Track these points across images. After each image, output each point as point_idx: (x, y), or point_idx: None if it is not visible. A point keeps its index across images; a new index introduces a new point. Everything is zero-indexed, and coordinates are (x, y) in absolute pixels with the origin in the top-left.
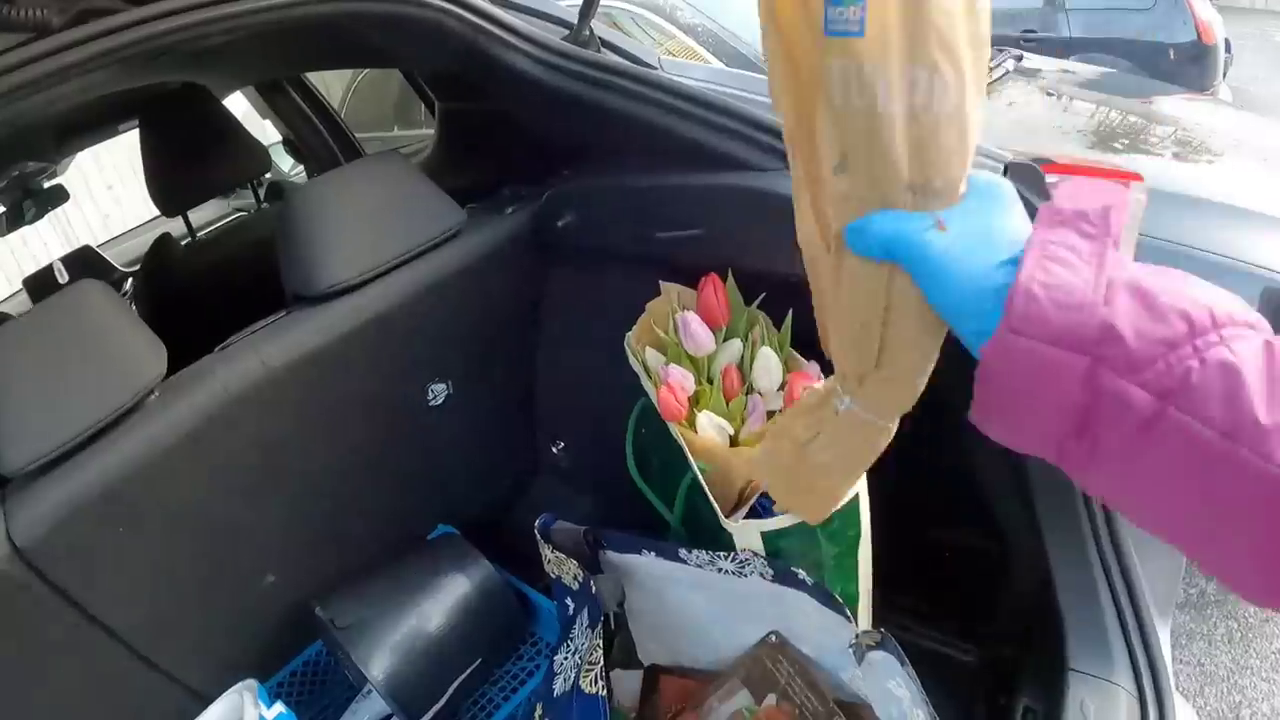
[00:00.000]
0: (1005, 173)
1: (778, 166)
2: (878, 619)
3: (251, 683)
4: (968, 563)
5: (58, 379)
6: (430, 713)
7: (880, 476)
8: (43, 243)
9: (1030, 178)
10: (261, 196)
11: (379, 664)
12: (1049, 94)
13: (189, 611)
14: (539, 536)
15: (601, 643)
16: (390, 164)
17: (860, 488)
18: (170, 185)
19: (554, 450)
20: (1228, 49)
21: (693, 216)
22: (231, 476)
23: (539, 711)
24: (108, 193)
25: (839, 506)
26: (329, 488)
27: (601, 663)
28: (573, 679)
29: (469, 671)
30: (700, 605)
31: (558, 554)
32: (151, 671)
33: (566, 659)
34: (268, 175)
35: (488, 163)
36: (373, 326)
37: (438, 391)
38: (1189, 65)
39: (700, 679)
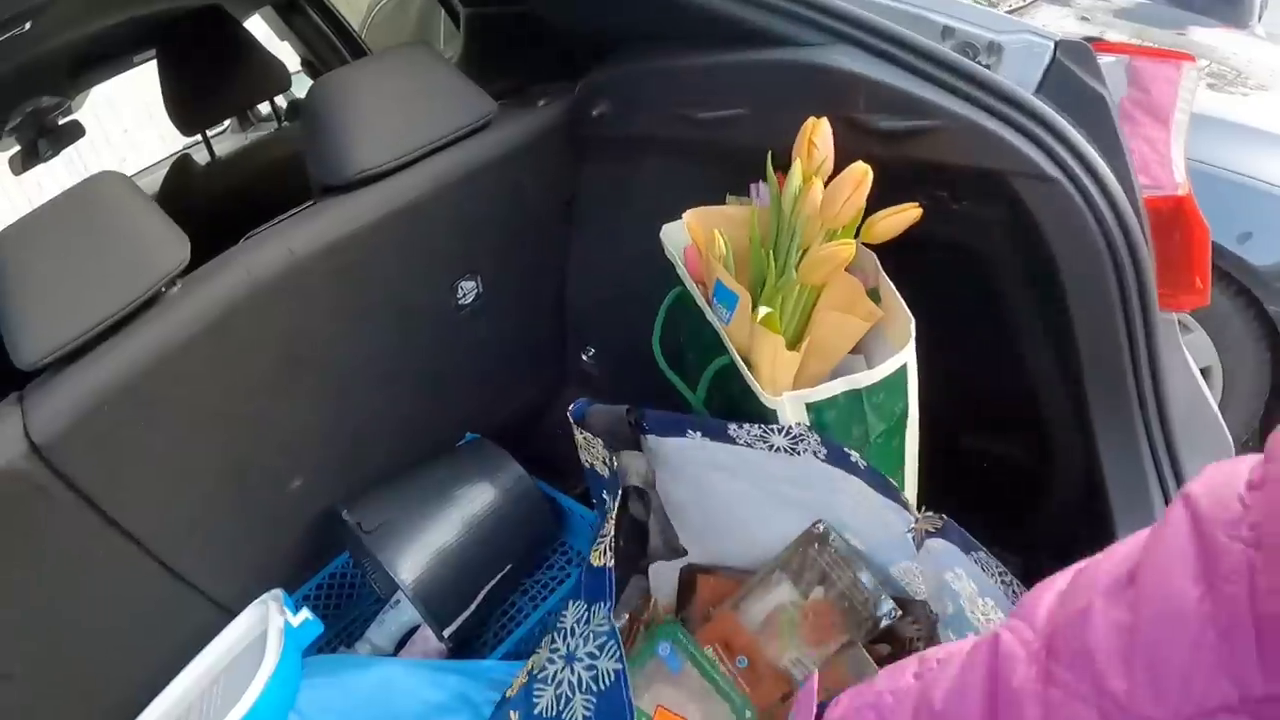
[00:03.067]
0: (1056, 51)
1: (822, 40)
2: None
3: (278, 592)
4: (1006, 472)
5: (76, 269)
6: (459, 619)
7: (922, 383)
8: (60, 188)
9: (1081, 56)
10: (282, 116)
11: (407, 567)
12: (1083, 19)
13: (213, 516)
14: (572, 420)
15: (615, 514)
16: (419, 53)
17: (909, 357)
18: (188, 104)
19: (584, 358)
20: None
21: (735, 96)
22: (256, 370)
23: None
24: (124, 136)
25: (881, 377)
26: (357, 388)
27: (611, 534)
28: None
29: (499, 578)
30: (742, 496)
31: (586, 435)
32: (176, 582)
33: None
34: (287, 95)
35: (516, 68)
36: (402, 216)
37: (467, 290)
38: (1222, 2)
39: (739, 577)
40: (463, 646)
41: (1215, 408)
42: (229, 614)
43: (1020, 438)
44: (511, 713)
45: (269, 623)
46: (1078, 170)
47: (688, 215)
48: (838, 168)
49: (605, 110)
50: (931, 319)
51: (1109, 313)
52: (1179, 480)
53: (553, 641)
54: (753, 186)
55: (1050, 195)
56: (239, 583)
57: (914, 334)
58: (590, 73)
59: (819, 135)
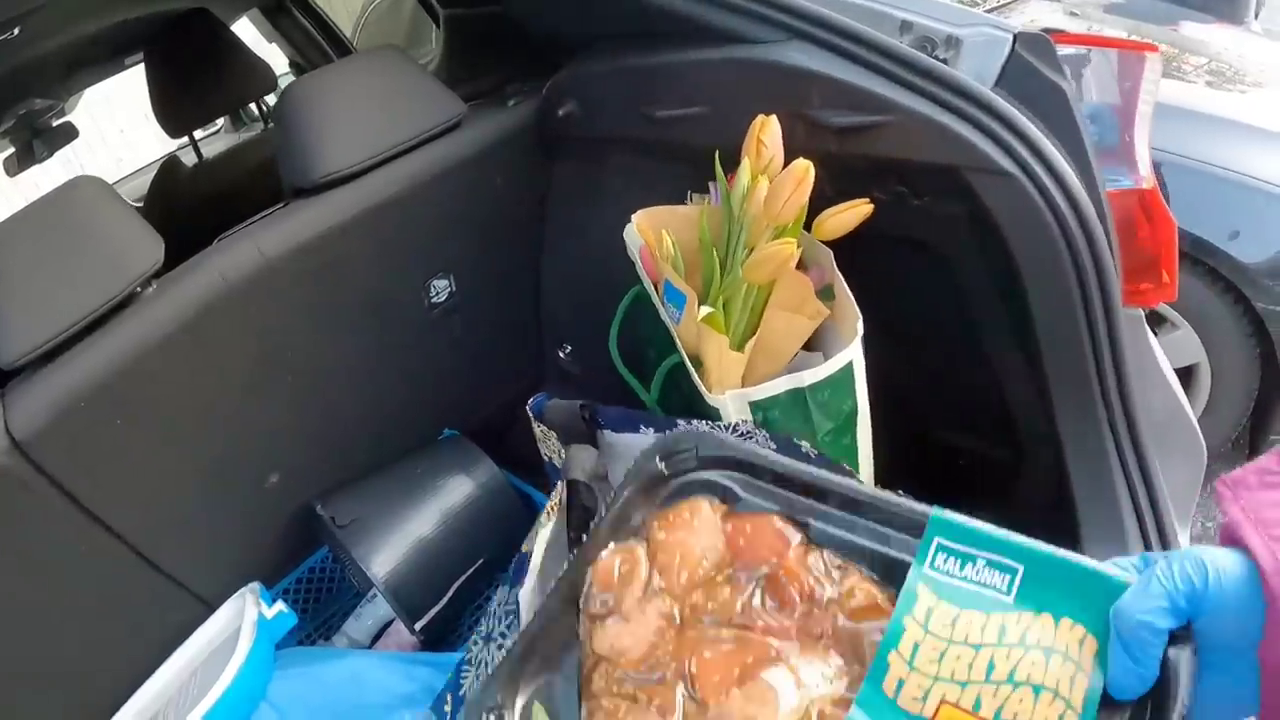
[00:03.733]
0: (1015, 43)
1: (778, 37)
2: None
3: (255, 585)
4: (976, 468)
5: (53, 271)
6: (431, 613)
7: (885, 378)
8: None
9: (1041, 48)
10: (269, 117)
11: (380, 562)
12: (1073, 14)
13: (192, 511)
14: (530, 414)
15: (554, 504)
16: (388, 57)
17: (855, 354)
18: (175, 106)
19: (561, 355)
20: None
21: (694, 94)
22: (231, 369)
23: None
24: (120, 136)
25: (827, 374)
26: (331, 387)
27: (542, 524)
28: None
29: (471, 572)
30: None
31: (543, 429)
32: (157, 575)
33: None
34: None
35: (493, 68)
36: (372, 216)
37: (440, 288)
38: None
39: None
40: (436, 640)
41: (1185, 402)
42: (210, 607)
43: (990, 433)
44: (447, 694)
45: (244, 615)
46: (1034, 165)
47: (637, 216)
48: (796, 165)
49: (572, 110)
50: (898, 317)
51: (1069, 307)
52: (1145, 475)
53: (478, 624)
54: (711, 185)
55: (1006, 190)
56: (220, 577)
57: (861, 331)
58: (558, 73)
59: (767, 133)
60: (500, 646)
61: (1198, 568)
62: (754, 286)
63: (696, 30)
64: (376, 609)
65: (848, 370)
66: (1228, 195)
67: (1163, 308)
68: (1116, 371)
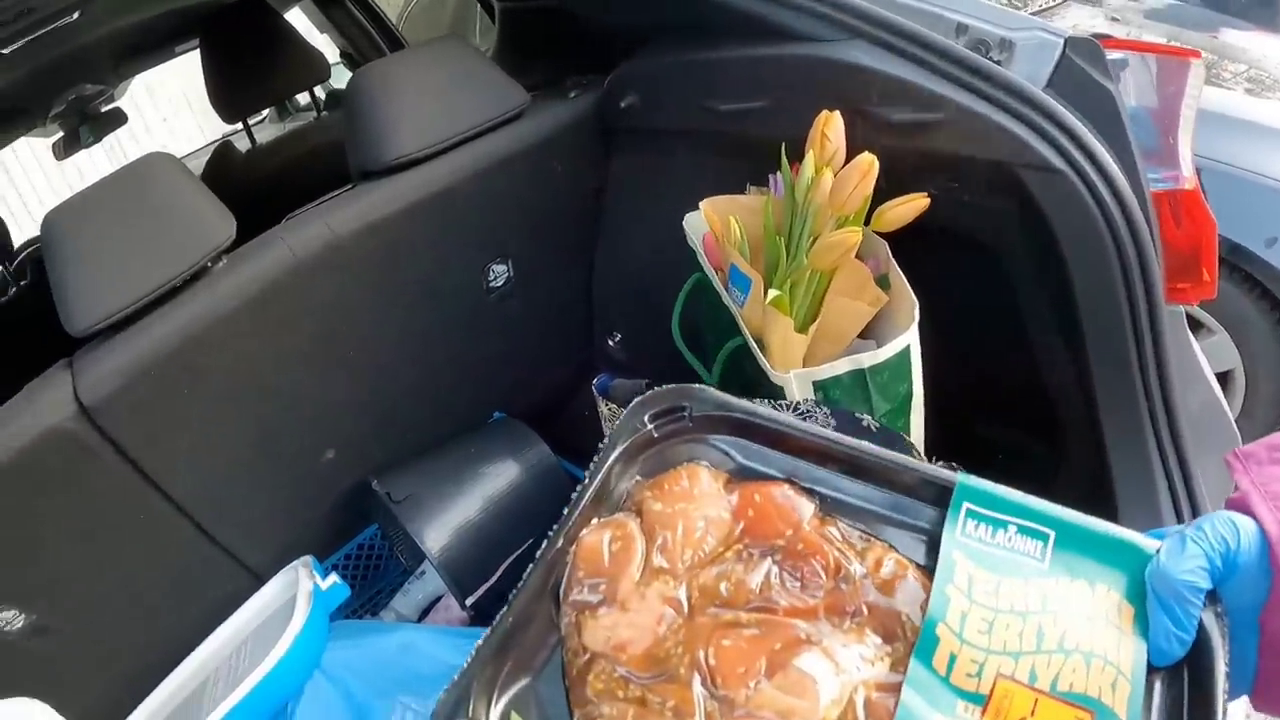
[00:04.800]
0: (1065, 47)
1: (838, 36)
2: None
3: (308, 558)
4: (1016, 460)
5: (128, 243)
6: (481, 589)
7: (929, 369)
8: (100, 175)
9: (1091, 52)
10: (322, 106)
11: (433, 537)
12: (1114, 19)
13: (248, 483)
14: (596, 393)
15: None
16: (454, 46)
17: (912, 339)
18: (231, 93)
19: (610, 343)
20: None
21: (756, 89)
22: (295, 344)
23: None
24: (163, 125)
25: (886, 357)
26: (390, 365)
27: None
28: None
29: (520, 552)
30: None
31: (611, 407)
32: (211, 545)
33: None
34: (326, 85)
35: (549, 62)
36: (437, 200)
37: (498, 273)
38: (1257, 6)
39: None
40: (484, 617)
41: (1222, 399)
42: (260, 580)
43: (1031, 425)
44: None
45: (298, 585)
46: (1083, 163)
47: (704, 204)
48: (852, 158)
49: (633, 102)
50: (946, 307)
51: (1114, 302)
52: (1183, 470)
53: None
54: (771, 177)
55: (1056, 187)
56: (271, 550)
57: (917, 318)
58: (619, 66)
59: (831, 128)
60: None
61: (1230, 529)
62: (817, 273)
63: (759, 27)
64: (425, 585)
65: (905, 354)
66: (1266, 202)
67: (1200, 313)
68: (1158, 365)
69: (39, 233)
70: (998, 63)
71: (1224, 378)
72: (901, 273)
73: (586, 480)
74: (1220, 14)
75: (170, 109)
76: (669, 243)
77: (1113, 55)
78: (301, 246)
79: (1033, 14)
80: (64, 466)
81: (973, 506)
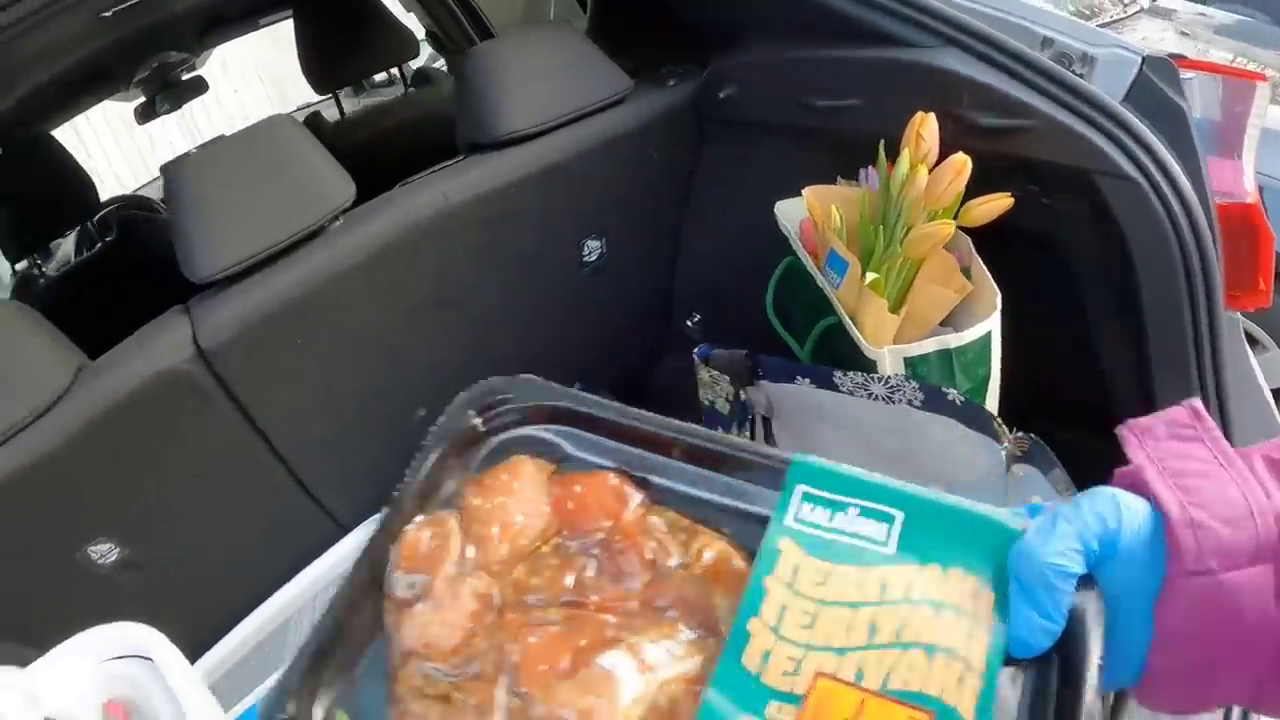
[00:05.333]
0: (1142, 65)
1: (933, 43)
2: None
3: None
4: (1070, 458)
5: (252, 197)
6: None
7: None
8: (169, 142)
9: (1165, 71)
10: (409, 82)
11: None
12: (1184, 34)
13: (344, 436)
14: (697, 361)
15: (749, 434)
16: (562, 30)
17: (994, 325)
18: (324, 64)
19: (689, 324)
20: None
21: (853, 88)
22: (402, 304)
23: None
24: (234, 97)
25: (971, 339)
26: (486, 329)
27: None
28: None
29: None
30: (837, 444)
31: (713, 373)
32: (305, 497)
33: None
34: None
35: (641, 51)
36: (543, 176)
37: (593, 248)
38: None
39: None
40: None
41: (1275, 410)
42: (343, 531)
43: (1086, 425)
44: None
45: None
46: (1155, 173)
47: (807, 192)
48: (940, 158)
49: (732, 94)
50: (1013, 305)
51: (1178, 305)
52: None
53: None
54: (863, 171)
55: (1129, 194)
56: (355, 504)
57: (999, 306)
58: (718, 58)
59: (926, 128)
60: None
61: (1111, 507)
62: (908, 261)
63: (858, 30)
64: None
65: (988, 339)
66: None
67: (1255, 329)
68: (1215, 365)
69: (120, 192)
70: (1079, 76)
71: (1278, 395)
72: (983, 265)
73: (408, 475)
74: None
75: (242, 82)
76: (754, 229)
77: (1185, 74)
78: (418, 211)
79: (1103, 25)
80: (176, 408)
81: (808, 489)
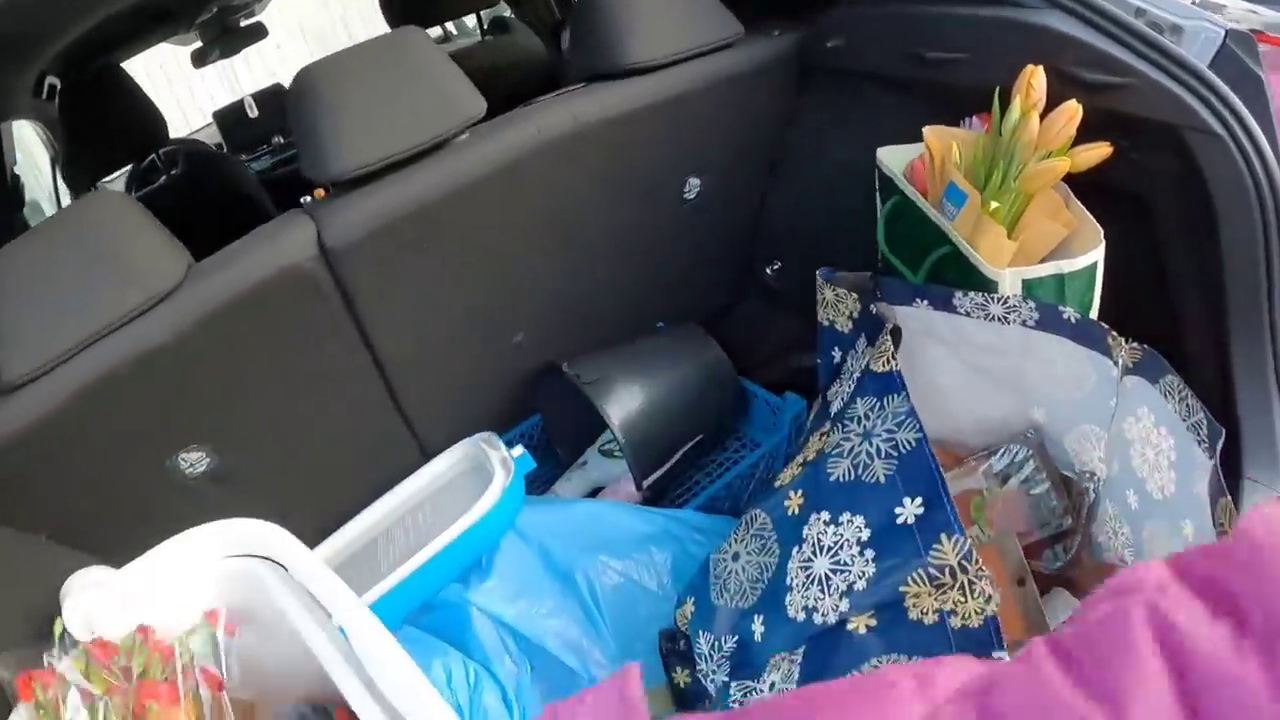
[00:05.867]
0: (1226, 37)
1: (1040, 5)
2: None
3: (490, 434)
4: None
5: (384, 103)
6: (657, 474)
7: None
8: (209, 95)
9: (1246, 44)
10: (485, 30)
11: (622, 418)
12: (1234, 23)
13: (445, 354)
14: (821, 281)
15: (889, 339)
16: None
17: (1099, 257)
18: (404, 10)
19: (768, 271)
20: None
21: (962, 42)
22: (520, 222)
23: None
24: (276, 52)
25: (1082, 265)
26: (594, 256)
27: (890, 349)
28: (863, 365)
29: (691, 445)
30: (948, 367)
31: (839, 291)
32: (398, 418)
33: (840, 387)
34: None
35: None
36: (659, 108)
37: (694, 186)
38: None
39: (935, 446)
40: (656, 499)
41: None
42: (426, 457)
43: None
44: (791, 493)
45: (490, 454)
46: (1240, 132)
47: (928, 131)
48: (1045, 111)
49: (839, 44)
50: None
51: (1256, 263)
52: None
53: (843, 428)
54: (965, 120)
55: (1217, 150)
56: (444, 428)
57: (1103, 240)
58: (828, 11)
59: (1036, 79)
60: (889, 440)
61: None
62: (1021, 195)
63: None
64: (589, 474)
65: (1094, 268)
66: None
67: None
68: None
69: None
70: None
71: None
72: (1083, 206)
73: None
74: None
75: (285, 35)
76: (844, 179)
77: (1263, 48)
78: (548, 128)
79: (1187, 3)
80: (294, 305)
81: None
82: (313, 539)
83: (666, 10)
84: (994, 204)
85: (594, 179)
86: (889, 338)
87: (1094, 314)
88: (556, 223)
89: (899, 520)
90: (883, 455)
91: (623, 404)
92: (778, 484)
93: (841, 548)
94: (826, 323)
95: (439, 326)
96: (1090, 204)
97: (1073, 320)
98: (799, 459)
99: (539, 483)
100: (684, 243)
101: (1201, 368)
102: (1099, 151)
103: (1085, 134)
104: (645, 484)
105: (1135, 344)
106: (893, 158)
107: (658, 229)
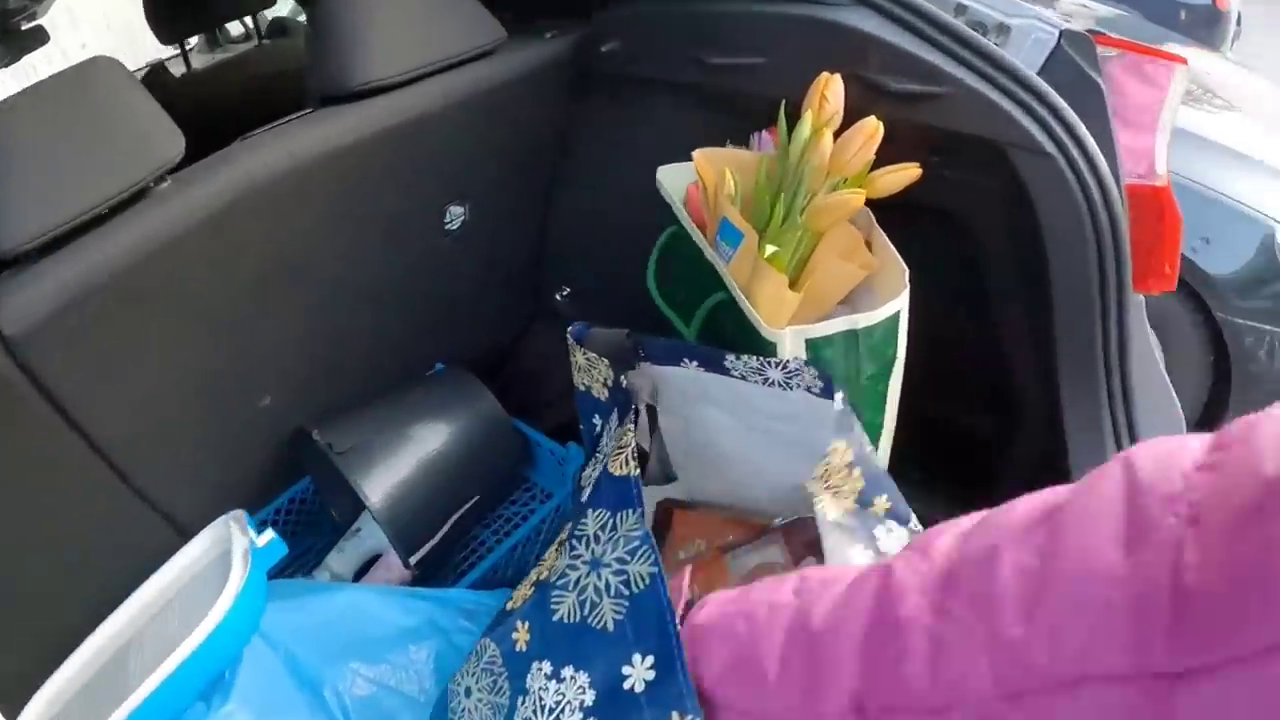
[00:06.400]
0: (1060, 39)
1: (843, 2)
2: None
3: (239, 513)
4: (971, 439)
5: (64, 153)
6: (426, 547)
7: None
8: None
9: (1083, 46)
10: (262, 34)
11: (379, 491)
12: (1065, 19)
13: (179, 430)
14: (572, 341)
15: (634, 428)
16: None
17: (903, 304)
18: (171, 10)
19: (558, 298)
20: (1237, 21)
21: (752, 45)
22: (242, 276)
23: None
24: (82, 51)
25: (880, 318)
26: (339, 305)
27: (633, 445)
28: (600, 468)
29: (466, 508)
30: (729, 431)
31: (590, 356)
32: (136, 499)
33: (591, 471)
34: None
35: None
36: (402, 132)
37: (455, 215)
38: (1199, 27)
39: (717, 515)
40: (426, 576)
41: (1171, 390)
42: (184, 537)
43: (988, 408)
44: (518, 624)
45: (233, 542)
46: (1072, 149)
47: (697, 154)
48: (846, 125)
49: (616, 47)
50: (913, 284)
51: (1087, 286)
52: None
53: (573, 549)
54: (754, 136)
55: (1045, 169)
56: (199, 504)
57: (908, 284)
58: (605, 9)
59: (831, 90)
60: (620, 574)
61: None
62: (807, 233)
63: None
64: (362, 543)
65: (896, 318)
66: (1199, 209)
67: None
68: (1120, 350)
69: None
70: (995, 45)
71: None
72: (887, 239)
73: None
74: (1166, 29)
75: (91, 33)
76: (634, 197)
77: (1103, 51)
78: (259, 170)
79: None
80: None
81: None
82: (70, 641)
83: (409, 19)
84: (771, 248)
85: (324, 220)
86: (632, 427)
87: (898, 368)
88: (285, 272)
89: (626, 685)
90: (612, 592)
91: (380, 474)
92: (509, 606)
93: (563, 712)
94: (583, 388)
95: (163, 399)
96: (905, 226)
97: (840, 405)
98: (533, 575)
99: (314, 551)
100: (451, 277)
101: (1030, 412)
102: (905, 174)
103: (894, 153)
104: (413, 561)
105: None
106: (674, 179)
107: (415, 266)
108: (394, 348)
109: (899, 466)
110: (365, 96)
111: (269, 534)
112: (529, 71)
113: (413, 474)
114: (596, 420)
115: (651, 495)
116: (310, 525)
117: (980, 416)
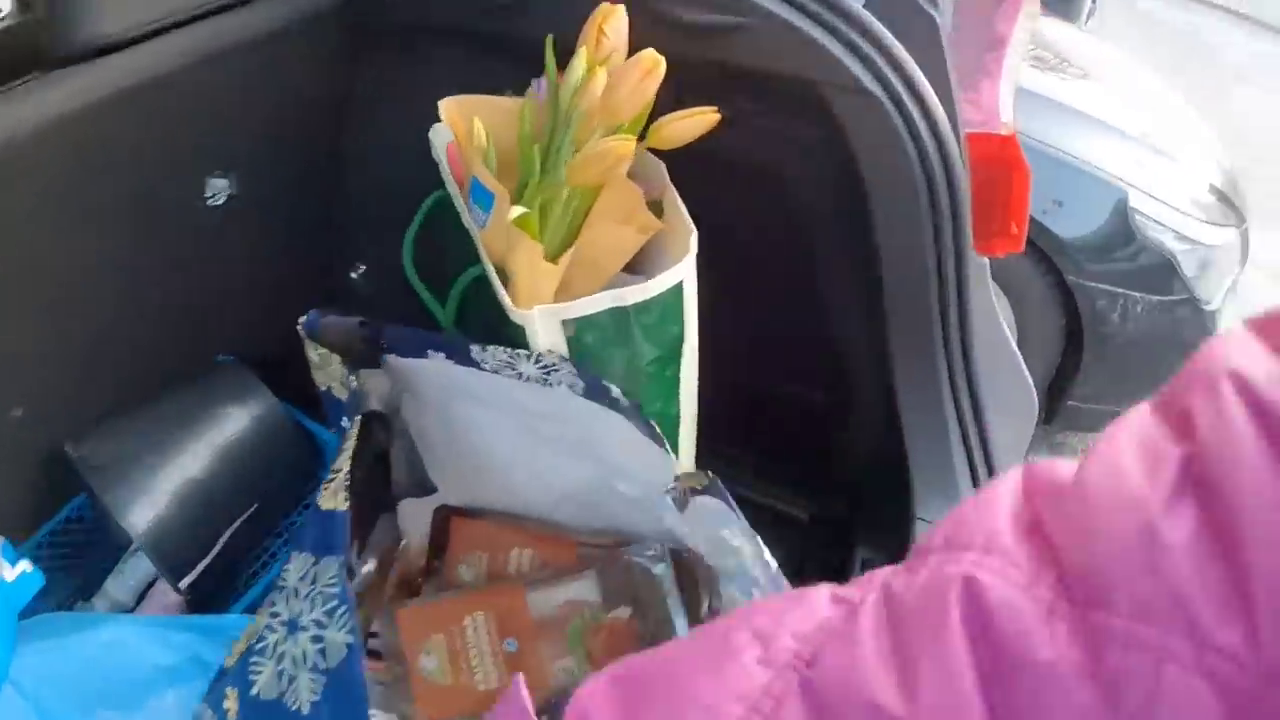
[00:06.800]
0: None
1: None
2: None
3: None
4: (800, 417)
5: None
6: (198, 568)
7: (704, 318)
8: None
9: None
10: None
11: (138, 511)
12: None
13: None
14: (304, 335)
15: (352, 445)
16: None
17: (686, 273)
18: None
19: (353, 275)
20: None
21: None
22: None
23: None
24: None
25: (656, 292)
26: (89, 300)
27: (345, 469)
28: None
29: (243, 519)
30: (494, 428)
31: (321, 352)
32: None
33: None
34: None
35: None
36: (143, 95)
37: (218, 188)
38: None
39: (501, 524)
40: (209, 598)
41: (1019, 358)
42: None
43: (817, 380)
44: (229, 689)
45: None
46: (901, 90)
47: (444, 104)
48: (645, 54)
49: None
50: (726, 245)
51: (919, 246)
52: (979, 424)
53: (273, 604)
54: (535, 82)
55: (867, 112)
56: None
57: (694, 249)
58: None
59: (610, 22)
60: (317, 640)
61: None
62: (577, 191)
63: None
64: (140, 564)
65: (678, 290)
66: (1050, 171)
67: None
68: (960, 319)
69: None
70: None
71: None
72: (679, 198)
73: None
74: None
75: None
76: (423, 158)
77: None
78: None
79: None
80: None
81: None
82: None
83: None
84: (518, 209)
85: (54, 204)
86: (348, 449)
87: (689, 347)
88: (16, 270)
89: None
90: (309, 664)
91: (141, 491)
92: (227, 661)
93: None
94: (324, 387)
95: None
96: (710, 182)
97: (623, 404)
98: (250, 626)
99: (104, 572)
100: (222, 259)
101: (861, 379)
102: (699, 120)
103: (696, 96)
104: (183, 585)
105: (698, 472)
106: (445, 136)
107: (174, 250)
108: (164, 344)
109: (723, 448)
110: (95, 56)
111: (22, 565)
112: (294, 21)
113: (178, 488)
114: (346, 424)
115: (428, 504)
116: (99, 543)
117: (810, 391)
